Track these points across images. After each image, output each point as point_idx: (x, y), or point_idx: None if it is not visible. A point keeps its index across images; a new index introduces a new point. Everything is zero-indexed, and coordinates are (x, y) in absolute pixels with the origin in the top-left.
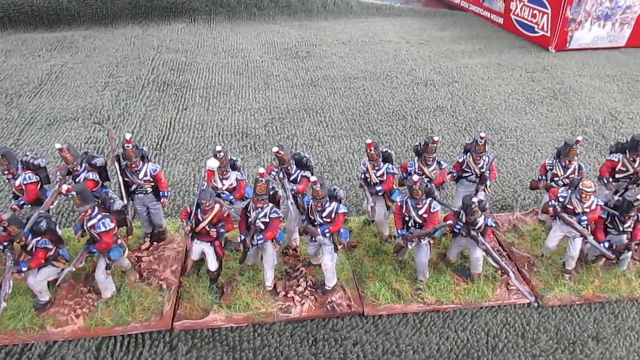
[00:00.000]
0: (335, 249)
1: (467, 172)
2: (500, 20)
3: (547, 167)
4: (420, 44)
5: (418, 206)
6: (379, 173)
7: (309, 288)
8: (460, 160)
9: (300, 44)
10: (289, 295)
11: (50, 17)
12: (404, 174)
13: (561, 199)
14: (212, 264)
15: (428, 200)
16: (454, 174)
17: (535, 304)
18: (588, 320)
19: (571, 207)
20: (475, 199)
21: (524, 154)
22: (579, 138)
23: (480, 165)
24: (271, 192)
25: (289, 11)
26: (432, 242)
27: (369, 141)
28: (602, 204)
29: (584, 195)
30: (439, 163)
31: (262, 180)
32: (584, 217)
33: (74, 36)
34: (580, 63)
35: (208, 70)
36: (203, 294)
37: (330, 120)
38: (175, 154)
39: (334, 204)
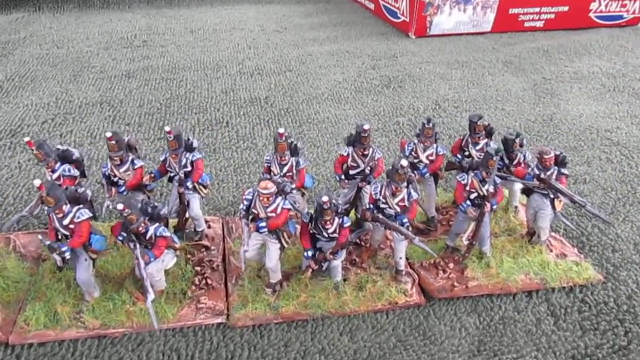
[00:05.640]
0: None
1: (170, 171)
2: (372, 7)
3: (265, 164)
4: (275, 32)
5: (58, 215)
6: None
7: None
8: (162, 159)
9: (141, 33)
10: None
11: None
12: None
13: (246, 202)
14: None
15: (76, 209)
16: (153, 175)
17: (158, 330)
18: (278, 342)
19: (256, 212)
20: (120, 205)
21: (318, 148)
22: (281, 130)
23: (182, 164)
24: None
25: None
26: (93, 256)
27: (108, 134)
28: (288, 207)
29: (261, 198)
30: (132, 162)
31: None
32: (263, 224)
33: None
34: (436, 49)
35: (20, 62)
36: None
37: (122, 114)
38: None
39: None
